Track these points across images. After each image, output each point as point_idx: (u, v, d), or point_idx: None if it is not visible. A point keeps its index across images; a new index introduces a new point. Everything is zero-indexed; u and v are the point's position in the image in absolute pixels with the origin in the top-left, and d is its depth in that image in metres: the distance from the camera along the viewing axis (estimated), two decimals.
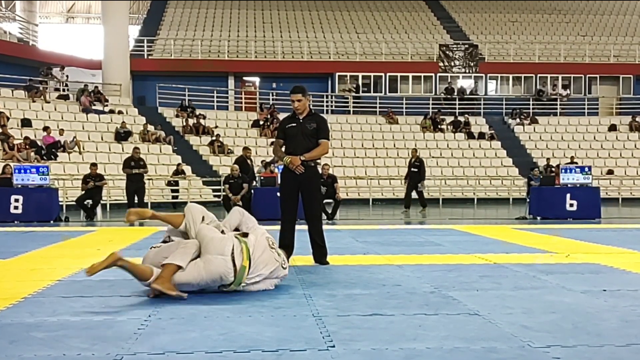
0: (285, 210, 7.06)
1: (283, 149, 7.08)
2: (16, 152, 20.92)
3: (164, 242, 5.51)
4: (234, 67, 32.42)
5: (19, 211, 14.40)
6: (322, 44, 34.38)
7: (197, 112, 28.27)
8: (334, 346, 3.62)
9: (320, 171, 6.98)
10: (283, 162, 7.00)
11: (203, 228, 5.22)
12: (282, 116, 28.60)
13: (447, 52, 33.21)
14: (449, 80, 33.01)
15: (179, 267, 4.97)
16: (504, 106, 31.93)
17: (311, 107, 7.25)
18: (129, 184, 16.05)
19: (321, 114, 8.11)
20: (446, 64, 33.01)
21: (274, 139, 29.97)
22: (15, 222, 13.99)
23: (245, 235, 5.33)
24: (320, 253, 7.03)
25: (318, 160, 7.07)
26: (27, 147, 21.34)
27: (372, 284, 5.71)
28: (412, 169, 18.70)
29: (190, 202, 21.10)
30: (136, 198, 15.82)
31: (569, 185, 15.55)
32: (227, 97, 31.66)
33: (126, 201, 16.38)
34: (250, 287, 5.21)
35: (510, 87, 33.75)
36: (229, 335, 3.87)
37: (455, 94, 32.42)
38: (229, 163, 21.26)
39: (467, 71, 33.18)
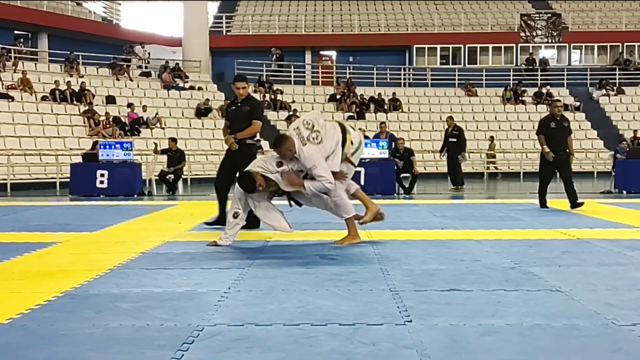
0: None
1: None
2: (101, 128, 21.58)
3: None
4: (311, 41, 32.44)
5: (105, 186, 14.85)
6: (400, 16, 33.95)
7: (275, 87, 28.46)
8: (411, 321, 3.60)
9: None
10: None
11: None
12: (359, 90, 28.63)
13: (529, 22, 32.31)
14: (531, 50, 32.14)
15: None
16: (588, 77, 30.91)
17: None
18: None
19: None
20: (528, 34, 32.13)
21: (351, 113, 29.43)
22: (101, 196, 14.45)
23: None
24: None
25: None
26: (110, 123, 21.98)
27: (450, 259, 5.65)
28: (451, 139, 16.54)
29: None
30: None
31: None
32: (304, 72, 31.72)
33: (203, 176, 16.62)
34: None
35: (595, 56, 32.62)
36: (306, 309, 3.90)
37: (537, 64, 31.55)
38: None
39: (550, 41, 32.22)
